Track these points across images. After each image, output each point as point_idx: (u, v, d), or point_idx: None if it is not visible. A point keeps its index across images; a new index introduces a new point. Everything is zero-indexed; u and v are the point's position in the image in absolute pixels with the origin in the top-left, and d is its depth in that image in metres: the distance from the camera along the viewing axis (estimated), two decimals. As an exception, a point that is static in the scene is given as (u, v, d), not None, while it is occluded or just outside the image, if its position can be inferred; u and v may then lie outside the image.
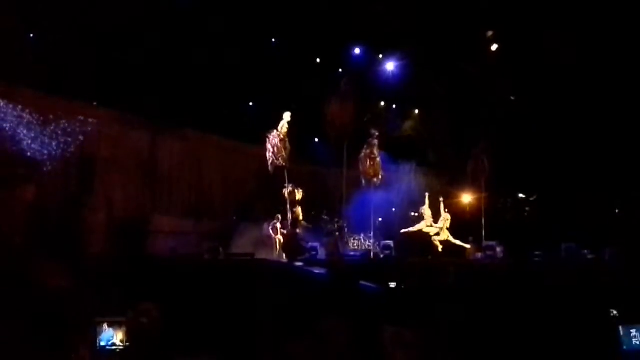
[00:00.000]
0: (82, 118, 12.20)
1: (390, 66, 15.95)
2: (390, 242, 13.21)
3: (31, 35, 11.59)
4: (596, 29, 13.59)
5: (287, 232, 12.84)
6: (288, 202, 13.13)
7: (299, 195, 13.27)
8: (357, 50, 15.73)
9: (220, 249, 10.67)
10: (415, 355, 3.33)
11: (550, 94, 15.07)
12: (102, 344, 3.60)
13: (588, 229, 13.36)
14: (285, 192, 13.24)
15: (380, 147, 14.25)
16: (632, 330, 4.19)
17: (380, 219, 15.39)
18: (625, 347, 4.14)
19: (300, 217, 13.28)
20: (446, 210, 14.48)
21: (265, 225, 13.14)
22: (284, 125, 13.23)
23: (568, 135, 15.29)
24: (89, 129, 12.18)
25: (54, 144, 11.56)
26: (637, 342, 4.17)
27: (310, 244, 12.32)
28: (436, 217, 14.43)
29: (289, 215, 13.02)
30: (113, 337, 3.63)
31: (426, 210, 14.44)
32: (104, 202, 12.23)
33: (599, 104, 14.70)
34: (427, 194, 14.66)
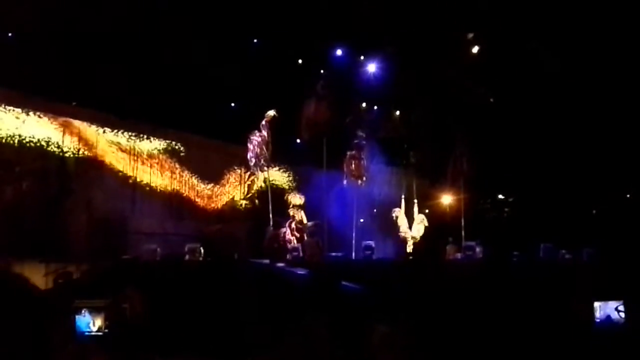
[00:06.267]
0: (62, 118, 12.14)
1: (371, 67, 16.00)
2: (372, 243, 13.22)
3: (9, 34, 11.47)
4: (576, 32, 13.79)
5: (270, 233, 12.79)
6: (290, 205, 13.04)
7: (300, 200, 13.17)
8: (339, 52, 15.74)
9: (201, 250, 10.62)
10: (403, 356, 3.36)
11: (530, 96, 15.26)
12: (81, 329, 3.54)
13: (566, 230, 13.54)
14: (288, 196, 13.18)
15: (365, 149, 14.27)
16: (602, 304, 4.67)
17: (362, 220, 15.40)
18: (598, 320, 4.66)
19: (304, 221, 13.16)
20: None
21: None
22: (265, 125, 13.07)
23: (547, 137, 15.50)
24: (68, 128, 12.10)
25: (32, 143, 11.47)
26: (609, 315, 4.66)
27: (293, 244, 12.28)
28: (411, 220, 14.50)
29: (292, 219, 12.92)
30: (91, 323, 3.57)
31: (400, 215, 14.44)
32: (84, 203, 12.12)
33: (578, 106, 14.92)
34: (402, 197, 14.63)
